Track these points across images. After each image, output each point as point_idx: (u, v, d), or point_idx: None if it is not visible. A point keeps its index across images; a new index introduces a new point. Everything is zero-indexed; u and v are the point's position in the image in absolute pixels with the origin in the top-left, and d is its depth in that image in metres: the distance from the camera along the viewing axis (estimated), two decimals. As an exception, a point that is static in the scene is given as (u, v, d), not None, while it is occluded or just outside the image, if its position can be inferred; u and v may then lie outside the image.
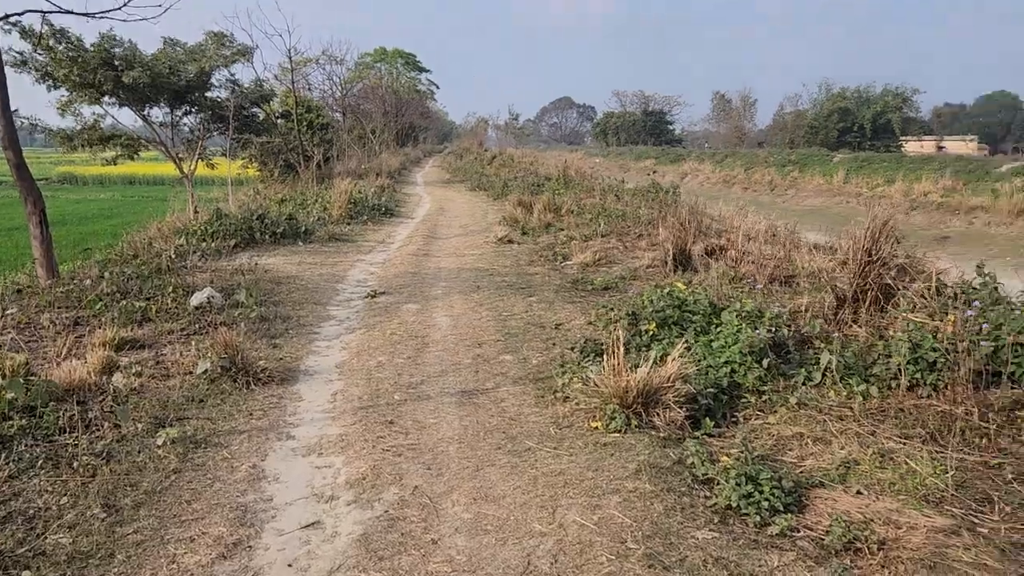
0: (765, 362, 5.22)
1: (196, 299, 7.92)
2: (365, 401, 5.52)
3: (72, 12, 8.76)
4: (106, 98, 14.42)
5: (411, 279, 10.27)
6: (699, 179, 44.18)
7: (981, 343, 4.65)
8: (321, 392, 5.76)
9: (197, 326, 7.20)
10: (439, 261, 11.85)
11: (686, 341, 5.63)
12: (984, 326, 4.76)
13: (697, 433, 4.54)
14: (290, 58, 23.93)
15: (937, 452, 3.96)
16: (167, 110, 15.83)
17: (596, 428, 4.64)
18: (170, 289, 8.21)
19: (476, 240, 14.03)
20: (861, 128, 56.20)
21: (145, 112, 15.41)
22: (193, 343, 6.54)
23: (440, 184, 31.80)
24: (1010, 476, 3.69)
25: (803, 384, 5.09)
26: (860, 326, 5.82)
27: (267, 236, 12.92)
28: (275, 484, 4.19)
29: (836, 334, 5.43)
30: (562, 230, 13.75)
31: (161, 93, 14.75)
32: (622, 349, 4.90)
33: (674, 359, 4.87)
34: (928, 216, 27.40)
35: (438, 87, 69.61)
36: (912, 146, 57.70)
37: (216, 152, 18.44)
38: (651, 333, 6.02)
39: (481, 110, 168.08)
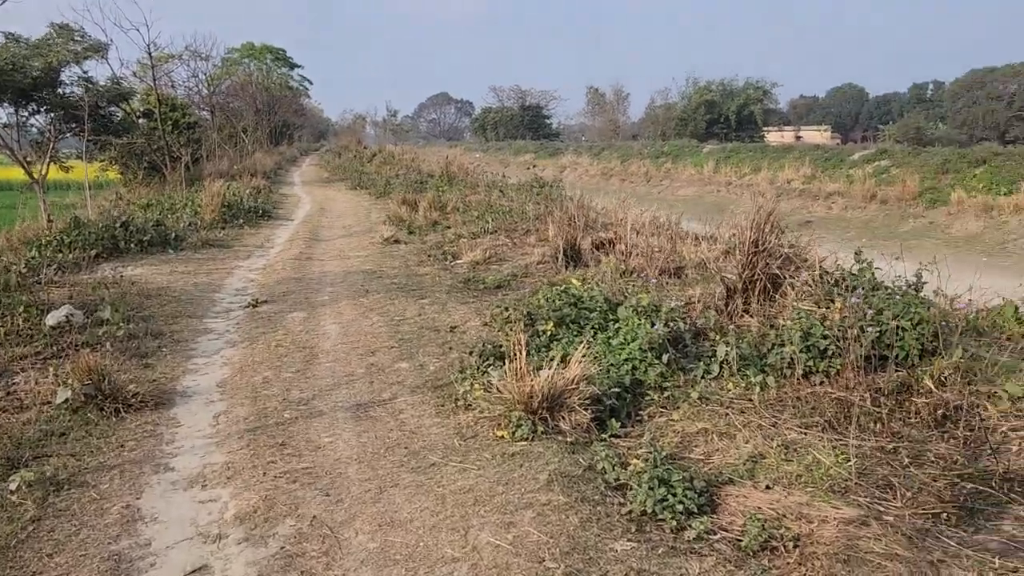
0: (665, 357, 5.21)
1: (53, 318, 7.18)
2: (252, 422, 5.12)
3: None
4: (-63, 97, 13.03)
5: (295, 285, 9.77)
6: (578, 172, 44.93)
7: (867, 328, 4.80)
8: (202, 415, 5.31)
9: (55, 349, 6.51)
10: (324, 264, 11.37)
11: (585, 340, 5.56)
12: (869, 312, 4.92)
13: (604, 435, 4.46)
14: (150, 54, 22.50)
15: (837, 440, 4.03)
16: (11, 110, 14.49)
17: (502, 437, 4.47)
18: (21, 308, 7.40)
19: (361, 241, 13.60)
20: (727, 120, 58.98)
21: (-15, 112, 14.05)
22: (51, 368, 5.89)
23: (319, 183, 30.83)
24: (906, 460, 3.79)
25: (703, 378, 5.11)
26: (751, 316, 5.93)
27: (133, 245, 11.99)
28: (153, 525, 3.78)
29: (731, 326, 5.49)
30: (449, 228, 13.53)
31: (3, 92, 13.46)
32: (524, 352, 4.76)
33: (578, 360, 4.76)
34: (791, 202, 28.90)
35: (311, 83, 67.55)
36: (773, 136, 61.11)
37: (71, 154, 17.05)
38: (549, 333, 5.91)
39: (358, 107, 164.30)
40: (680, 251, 8.87)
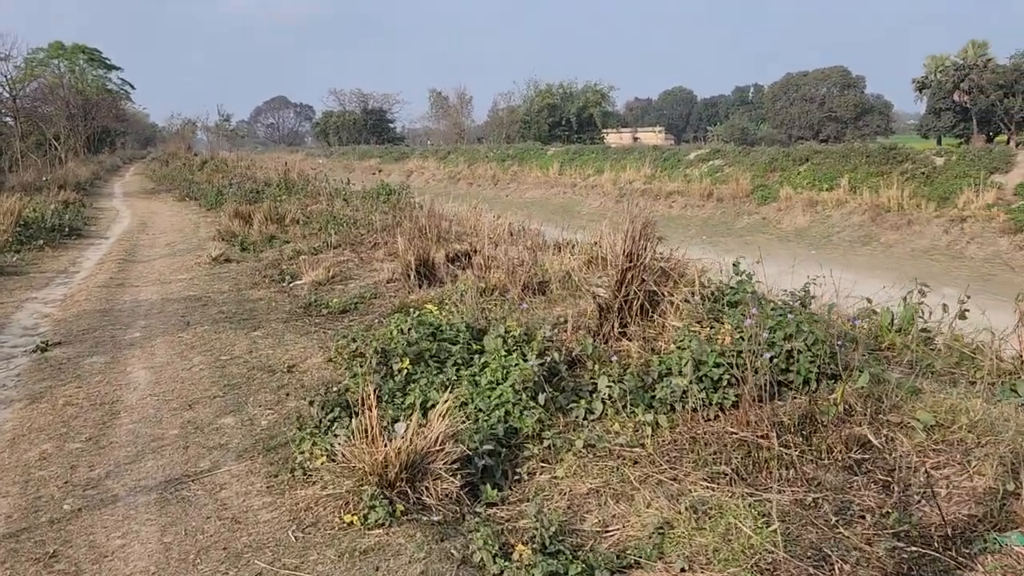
0: (542, 398, 4.48)
1: None
2: (16, 522, 3.90)
3: None
4: None
5: (99, 320, 8.29)
6: (425, 176, 44.00)
7: (765, 355, 4.28)
8: (-52, 516, 4.02)
9: None
10: (138, 292, 9.85)
11: (449, 381, 4.74)
12: (765, 335, 4.41)
13: (478, 507, 3.66)
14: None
15: (750, 495, 3.44)
16: None
17: (351, 524, 3.55)
18: None
19: (186, 261, 12.06)
20: (568, 122, 59.94)
21: None
22: None
23: (143, 195, 28.13)
24: (833, 518, 3.25)
25: (585, 419, 4.42)
26: (630, 339, 5.32)
27: None
28: None
29: (614, 357, 4.84)
30: (288, 243, 12.31)
31: None
32: (375, 409, 3.86)
33: (441, 415, 3.93)
34: (635, 202, 29.38)
35: (133, 87, 62.06)
36: (613, 138, 62.97)
37: None
38: (406, 372, 5.03)
39: (187, 111, 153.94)
40: (542, 263, 8.23)
